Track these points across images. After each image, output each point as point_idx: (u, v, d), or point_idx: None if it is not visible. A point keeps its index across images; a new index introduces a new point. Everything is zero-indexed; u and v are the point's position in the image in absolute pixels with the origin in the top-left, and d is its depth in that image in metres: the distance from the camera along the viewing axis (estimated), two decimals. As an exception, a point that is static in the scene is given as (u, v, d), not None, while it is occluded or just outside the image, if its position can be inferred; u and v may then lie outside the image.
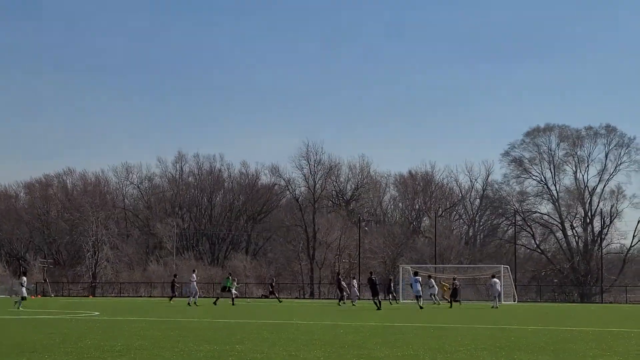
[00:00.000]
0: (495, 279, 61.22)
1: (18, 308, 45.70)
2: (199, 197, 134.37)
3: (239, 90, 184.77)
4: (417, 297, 55.95)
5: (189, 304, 57.71)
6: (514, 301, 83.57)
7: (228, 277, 65.78)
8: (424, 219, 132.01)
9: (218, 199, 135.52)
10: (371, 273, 55.78)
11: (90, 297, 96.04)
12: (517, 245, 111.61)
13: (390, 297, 74.47)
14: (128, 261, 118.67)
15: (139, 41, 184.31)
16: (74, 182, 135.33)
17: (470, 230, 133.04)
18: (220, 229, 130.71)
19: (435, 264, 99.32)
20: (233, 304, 58.98)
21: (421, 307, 53.49)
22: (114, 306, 52.28)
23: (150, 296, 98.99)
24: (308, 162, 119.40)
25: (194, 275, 64.99)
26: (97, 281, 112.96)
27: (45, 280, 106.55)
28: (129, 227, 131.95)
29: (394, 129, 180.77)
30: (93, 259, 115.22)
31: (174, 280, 72.09)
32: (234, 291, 64.08)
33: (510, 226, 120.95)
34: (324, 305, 60.58)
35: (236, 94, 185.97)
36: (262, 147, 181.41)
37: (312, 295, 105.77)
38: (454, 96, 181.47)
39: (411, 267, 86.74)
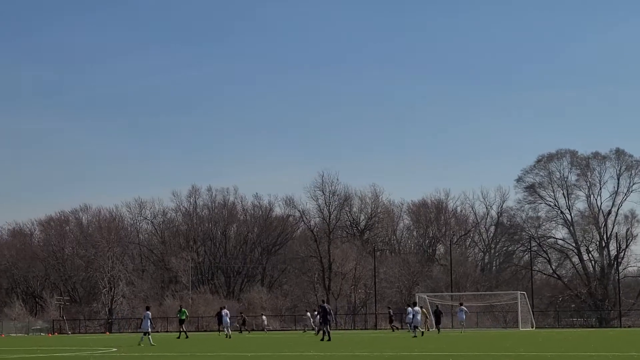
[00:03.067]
0: (417, 308, 59.78)
1: (140, 344, 44.59)
2: (213, 230, 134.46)
3: (250, 123, 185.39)
4: (415, 327, 55.76)
5: (228, 336, 59.47)
6: (532, 327, 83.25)
7: (181, 309, 64.75)
8: (439, 246, 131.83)
9: (232, 231, 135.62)
10: (323, 301, 54.99)
11: (107, 333, 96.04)
12: (533, 271, 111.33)
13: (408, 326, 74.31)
14: (144, 296, 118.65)
15: (152, 74, 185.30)
16: (89, 219, 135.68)
17: (486, 257, 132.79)
18: (235, 262, 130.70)
19: (452, 291, 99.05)
20: (186, 337, 59.30)
21: (422, 334, 54.26)
22: (132, 342, 52.27)
23: (166, 331, 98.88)
24: (323, 192, 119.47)
25: (226, 310, 65.06)
26: (114, 317, 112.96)
27: (62, 317, 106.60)
28: (144, 262, 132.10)
29: (407, 156, 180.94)
30: (109, 295, 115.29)
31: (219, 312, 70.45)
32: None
33: (526, 252, 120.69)
34: (342, 336, 60.42)
35: (247, 126, 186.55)
36: (275, 179, 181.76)
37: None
38: (467, 122, 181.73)
39: (427, 296, 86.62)
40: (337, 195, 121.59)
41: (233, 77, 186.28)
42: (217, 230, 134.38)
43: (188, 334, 63.73)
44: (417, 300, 68.21)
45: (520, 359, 25.51)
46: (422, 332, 55.95)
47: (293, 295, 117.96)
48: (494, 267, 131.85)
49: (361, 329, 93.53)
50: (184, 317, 63.02)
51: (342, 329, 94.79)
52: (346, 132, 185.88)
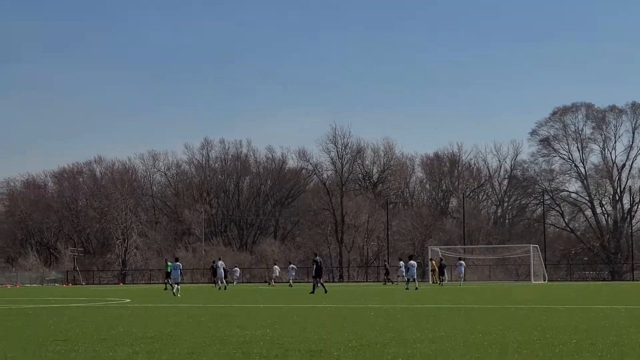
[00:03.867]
0: (412, 261, 60.06)
1: (177, 295, 44.66)
2: (226, 182, 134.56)
3: (264, 74, 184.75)
4: (413, 280, 56.41)
5: (219, 288, 60.22)
6: (544, 280, 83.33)
7: (167, 263, 65.05)
8: (452, 199, 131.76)
9: (245, 184, 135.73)
10: (316, 254, 54.90)
11: (121, 284, 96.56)
12: (546, 225, 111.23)
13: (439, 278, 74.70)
14: (157, 248, 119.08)
15: (164, 27, 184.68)
16: (103, 171, 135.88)
17: (499, 210, 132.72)
18: (248, 214, 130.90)
19: (464, 244, 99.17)
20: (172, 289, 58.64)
21: (416, 289, 54.13)
22: (145, 293, 52.50)
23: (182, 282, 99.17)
24: (335, 145, 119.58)
25: (220, 262, 66.28)
26: (127, 268, 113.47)
27: (75, 268, 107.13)
28: (157, 214, 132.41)
29: (420, 110, 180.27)
30: (122, 246, 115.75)
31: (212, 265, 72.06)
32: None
33: (539, 205, 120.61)
34: (354, 289, 60.58)
35: (261, 78, 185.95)
36: (288, 131, 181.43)
37: (341, 279, 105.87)
38: (481, 76, 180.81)
39: (440, 249, 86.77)
40: (350, 148, 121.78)
41: (245, 30, 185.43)
42: (230, 183, 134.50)
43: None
44: (414, 254, 68.95)
45: (533, 311, 25.47)
46: (416, 287, 55.99)
47: (306, 247, 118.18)
48: (506, 221, 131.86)
49: (373, 282, 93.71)
50: (168, 270, 62.93)
51: (354, 282, 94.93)
52: (359, 84, 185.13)
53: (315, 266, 50.07)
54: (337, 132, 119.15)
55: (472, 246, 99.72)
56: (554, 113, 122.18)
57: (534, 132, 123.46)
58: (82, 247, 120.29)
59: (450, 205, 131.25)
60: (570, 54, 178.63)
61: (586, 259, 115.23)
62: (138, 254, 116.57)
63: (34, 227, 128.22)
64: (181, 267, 49.27)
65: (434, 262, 78.21)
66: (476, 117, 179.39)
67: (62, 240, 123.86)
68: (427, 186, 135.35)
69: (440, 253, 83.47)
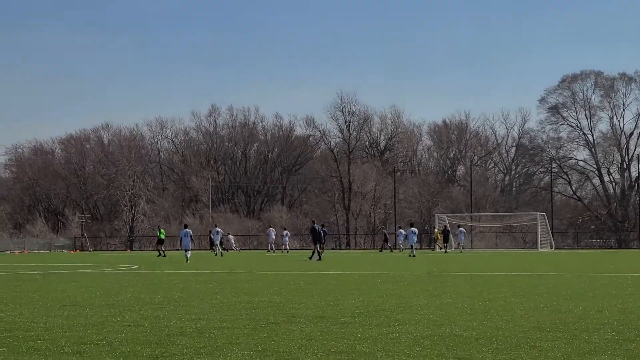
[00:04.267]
0: (413, 228, 61.17)
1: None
2: (234, 149, 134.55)
3: (272, 41, 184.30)
4: (411, 247, 58.56)
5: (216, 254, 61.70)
6: (551, 248, 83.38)
7: (160, 230, 65.83)
8: (459, 167, 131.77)
9: (252, 151, 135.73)
10: (313, 222, 54.96)
11: (128, 251, 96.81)
12: (553, 193, 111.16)
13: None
14: (165, 215, 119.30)
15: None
16: (110, 137, 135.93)
17: (506, 178, 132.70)
18: (256, 182, 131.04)
19: (471, 212, 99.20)
20: (164, 256, 58.33)
21: (414, 256, 54.77)
22: (152, 259, 52.67)
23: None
24: (343, 112, 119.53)
25: (217, 229, 67.72)
26: (134, 235, 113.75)
27: (83, 235, 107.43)
28: (164, 181, 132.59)
29: (428, 77, 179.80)
30: (130, 213, 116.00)
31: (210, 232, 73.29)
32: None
33: (547, 173, 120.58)
34: (360, 255, 60.73)
35: (269, 45, 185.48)
36: (295, 98, 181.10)
37: (348, 246, 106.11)
38: (489, 43, 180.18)
39: (447, 216, 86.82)
40: (357, 116, 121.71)
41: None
42: (238, 150, 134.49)
43: (165, 253, 63.82)
44: (413, 222, 69.74)
45: (540, 279, 25.52)
46: (414, 255, 56.51)
47: (313, 214, 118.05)
48: (514, 189, 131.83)
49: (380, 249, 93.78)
50: (162, 237, 63.51)
51: (361, 249, 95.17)
52: (367, 52, 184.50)
53: (312, 233, 50.30)
54: (344, 100, 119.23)
55: (479, 214, 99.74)
56: (563, 81, 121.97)
57: (542, 100, 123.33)
58: (89, 214, 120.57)
59: (457, 173, 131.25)
60: (579, 21, 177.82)
61: (593, 227, 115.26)
62: (145, 220, 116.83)
63: (42, 193, 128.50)
64: (191, 234, 49.47)
65: (437, 230, 78.53)
66: (484, 85, 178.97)
67: (69, 206, 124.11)
68: (435, 154, 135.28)
69: (447, 220, 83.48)
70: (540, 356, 9.66)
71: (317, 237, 49.49)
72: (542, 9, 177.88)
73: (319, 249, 48.70)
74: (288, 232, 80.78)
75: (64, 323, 12.94)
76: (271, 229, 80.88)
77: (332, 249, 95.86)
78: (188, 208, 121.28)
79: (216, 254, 62.85)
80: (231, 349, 10.24)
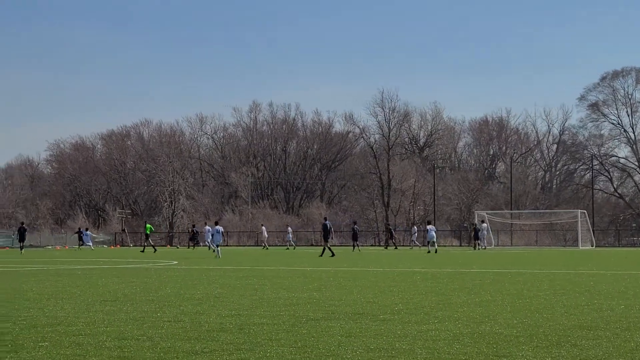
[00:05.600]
0: (431, 226, 62.73)
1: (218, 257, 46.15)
2: (273, 146, 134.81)
3: (313, 38, 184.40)
4: (429, 243, 60.74)
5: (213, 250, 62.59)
6: (592, 246, 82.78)
7: (147, 225, 68.78)
8: (499, 164, 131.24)
9: (292, 147, 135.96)
10: (325, 219, 55.51)
11: (168, 246, 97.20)
12: (594, 190, 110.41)
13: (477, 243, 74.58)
14: (204, 211, 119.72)
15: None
16: (150, 133, 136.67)
17: (547, 176, 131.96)
18: (295, 178, 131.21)
19: (511, 209, 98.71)
20: (155, 251, 61.84)
21: (429, 252, 57.32)
22: (192, 255, 52.88)
23: (226, 245, 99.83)
24: (383, 109, 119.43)
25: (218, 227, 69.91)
26: (174, 231, 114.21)
27: (123, 230, 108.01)
28: (204, 177, 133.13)
29: (469, 74, 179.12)
30: (170, 209, 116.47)
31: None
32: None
33: (588, 171, 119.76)
34: (400, 252, 60.65)
35: (310, 42, 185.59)
36: (335, 95, 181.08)
37: (387, 243, 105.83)
38: (531, 40, 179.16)
39: (486, 213, 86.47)
40: (397, 112, 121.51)
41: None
42: (277, 146, 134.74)
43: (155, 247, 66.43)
44: (431, 219, 71.36)
45: (580, 277, 25.35)
46: (429, 251, 58.26)
47: (352, 211, 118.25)
48: (554, 186, 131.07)
49: (419, 246, 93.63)
50: (148, 232, 65.78)
51: (400, 246, 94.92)
52: (408, 48, 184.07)
53: (323, 230, 50.82)
54: (384, 96, 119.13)
55: (519, 211, 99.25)
56: (603, 78, 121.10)
57: (582, 98, 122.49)
58: (129, 210, 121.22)
59: (497, 170, 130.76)
60: (620, 18, 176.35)
61: (634, 225, 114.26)
62: (185, 216, 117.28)
63: (83, 189, 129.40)
64: (222, 230, 50.23)
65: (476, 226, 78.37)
66: (526, 82, 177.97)
67: (110, 202, 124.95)
68: (475, 151, 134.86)
69: (487, 218, 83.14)
70: (581, 354, 9.61)
71: (327, 234, 50.22)
72: (583, 5, 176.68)
73: (328, 245, 49.24)
74: (291, 229, 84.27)
75: (105, 318, 13.03)
76: (263, 227, 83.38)
77: (372, 245, 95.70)
78: (227, 204, 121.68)
79: (213, 250, 64.29)
80: (271, 345, 10.26)
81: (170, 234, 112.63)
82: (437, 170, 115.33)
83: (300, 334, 11.20)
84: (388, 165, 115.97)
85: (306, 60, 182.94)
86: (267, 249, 76.07)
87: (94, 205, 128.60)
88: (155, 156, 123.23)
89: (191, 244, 79.10)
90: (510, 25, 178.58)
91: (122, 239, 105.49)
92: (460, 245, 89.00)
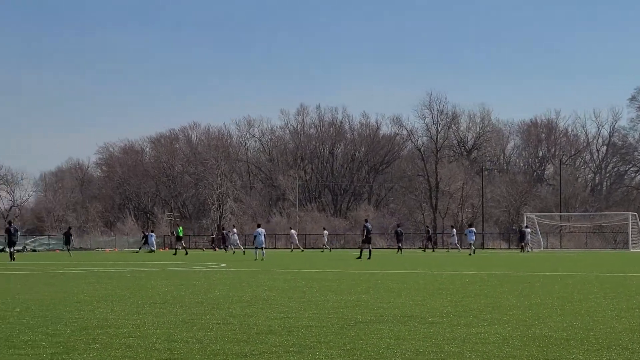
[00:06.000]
0: (472, 228, 65.51)
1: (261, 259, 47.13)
2: (321, 148, 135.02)
3: (360, 40, 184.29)
4: (471, 245, 63.08)
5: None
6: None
7: (178, 227, 70.52)
8: (548, 166, 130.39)
9: (340, 150, 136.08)
10: (366, 220, 55.53)
11: (216, 249, 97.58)
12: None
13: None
14: (252, 213, 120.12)
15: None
16: (198, 136, 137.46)
17: (597, 177, 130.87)
18: (342, 180, 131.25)
19: (560, 212, 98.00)
20: (186, 254, 62.65)
21: (471, 254, 58.74)
22: (240, 258, 53.06)
23: (274, 247, 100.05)
24: (431, 111, 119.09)
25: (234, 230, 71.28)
26: (233, 234, 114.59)
27: (172, 233, 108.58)
28: (252, 180, 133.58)
29: (517, 75, 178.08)
30: (218, 211, 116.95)
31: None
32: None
33: (638, 172, 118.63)
34: (448, 255, 60.44)
35: (356, 44, 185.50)
36: (382, 97, 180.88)
37: (435, 245, 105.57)
38: (580, 40, 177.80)
39: (535, 216, 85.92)
40: (445, 114, 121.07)
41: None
42: (325, 149, 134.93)
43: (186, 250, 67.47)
44: (472, 222, 72.11)
45: (632, 279, 25.11)
46: (473, 252, 60.81)
47: (400, 213, 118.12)
48: (604, 188, 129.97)
49: (467, 248, 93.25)
50: (180, 234, 66.53)
51: (438, 249, 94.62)
52: (454, 50, 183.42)
53: (365, 232, 50.60)
54: (432, 98, 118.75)
55: (568, 213, 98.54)
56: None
57: (633, 98, 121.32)
58: (178, 212, 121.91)
59: (546, 172, 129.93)
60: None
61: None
62: (233, 219, 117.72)
63: (132, 192, 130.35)
64: (265, 233, 51.50)
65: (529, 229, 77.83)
66: (575, 83, 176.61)
67: (158, 205, 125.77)
68: (523, 153, 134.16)
69: (535, 220, 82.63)
70: (632, 358, 9.51)
71: (368, 236, 50.22)
72: (633, 5, 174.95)
73: (365, 248, 49.43)
74: (327, 232, 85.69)
75: (154, 320, 13.10)
76: (292, 231, 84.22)
77: (419, 248, 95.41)
78: (275, 207, 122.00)
79: (234, 252, 65.36)
80: (319, 347, 10.26)
81: (219, 236, 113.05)
82: (486, 173, 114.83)
83: (349, 336, 11.19)
84: (436, 167, 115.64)
85: (353, 62, 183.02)
86: (302, 250, 76.35)
87: (143, 208, 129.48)
88: (203, 159, 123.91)
89: (215, 245, 79.71)
90: (560, 26, 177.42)
91: (170, 242, 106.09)
92: (509, 248, 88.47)
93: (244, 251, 67.94)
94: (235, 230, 74.19)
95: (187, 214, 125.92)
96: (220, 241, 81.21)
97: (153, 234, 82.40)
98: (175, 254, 64.09)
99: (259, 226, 53.42)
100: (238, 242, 70.41)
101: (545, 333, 11.45)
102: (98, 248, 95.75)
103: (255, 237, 50.88)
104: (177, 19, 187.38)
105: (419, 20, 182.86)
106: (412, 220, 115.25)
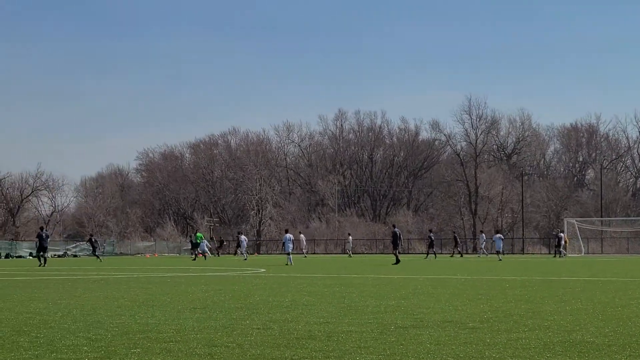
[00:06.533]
0: (499, 234, 66.79)
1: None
2: (360, 153, 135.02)
3: (398, 45, 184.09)
4: (498, 252, 63.74)
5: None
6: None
7: (196, 234, 71.88)
8: (589, 171, 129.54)
9: (378, 155, 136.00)
10: (394, 226, 55.83)
11: (255, 254, 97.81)
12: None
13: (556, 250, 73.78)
14: (291, 219, 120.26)
15: (297, 0, 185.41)
16: (237, 142, 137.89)
17: (638, 182, 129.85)
18: (381, 185, 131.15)
19: (601, 217, 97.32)
20: (205, 259, 63.93)
21: (500, 260, 59.26)
22: (279, 263, 53.12)
23: (313, 253, 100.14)
24: (470, 116, 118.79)
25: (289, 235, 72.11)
26: (262, 239, 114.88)
27: (212, 238, 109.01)
28: (291, 185, 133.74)
29: (557, 80, 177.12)
30: (257, 217, 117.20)
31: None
32: (205, 246, 70.62)
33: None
34: (487, 261, 60.18)
35: (395, 49, 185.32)
36: (421, 102, 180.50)
37: (474, 250, 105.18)
38: (620, 43, 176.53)
39: (576, 221, 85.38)
40: (484, 119, 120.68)
41: (379, 1, 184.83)
42: (364, 154, 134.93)
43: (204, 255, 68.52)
44: (500, 228, 72.75)
45: (673, 285, 24.88)
46: (500, 259, 60.91)
47: (439, 218, 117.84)
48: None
49: (508, 254, 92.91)
50: (199, 241, 66.89)
51: (490, 253, 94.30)
52: (494, 54, 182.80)
53: (393, 237, 51.06)
54: (472, 103, 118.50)
55: (609, 218, 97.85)
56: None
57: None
58: (217, 218, 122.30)
59: (587, 176, 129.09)
60: None
61: None
62: (272, 224, 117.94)
63: (171, 197, 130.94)
64: (292, 238, 52.84)
65: (565, 235, 77.73)
66: (616, 87, 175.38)
67: (198, 210, 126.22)
68: (563, 157, 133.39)
69: (576, 225, 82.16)
70: (675, 364, 9.43)
71: (396, 242, 50.51)
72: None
73: (396, 253, 49.51)
74: (351, 237, 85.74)
75: (194, 325, 13.15)
76: (350, 237, 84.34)
77: (458, 253, 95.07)
78: (314, 212, 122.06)
79: (245, 259, 65.25)
80: (359, 352, 10.25)
81: (258, 241, 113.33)
82: (525, 178, 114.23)
83: (389, 342, 11.17)
84: (475, 172, 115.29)
85: (392, 67, 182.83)
86: (350, 256, 76.34)
87: (183, 214, 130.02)
88: (242, 165, 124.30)
89: (218, 251, 79.18)
90: (601, 30, 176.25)
91: (210, 247, 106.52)
92: (549, 253, 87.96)
93: (245, 257, 67.62)
94: (289, 235, 74.40)
95: (226, 219, 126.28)
96: (236, 246, 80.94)
97: (244, 237, 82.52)
98: (194, 259, 64.70)
99: (287, 232, 53.91)
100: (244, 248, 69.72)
101: (586, 339, 11.37)
102: (138, 253, 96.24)
103: (284, 242, 51.65)
104: (217, 25, 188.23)
105: (458, 24, 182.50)
106: (452, 226, 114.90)
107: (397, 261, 48.05)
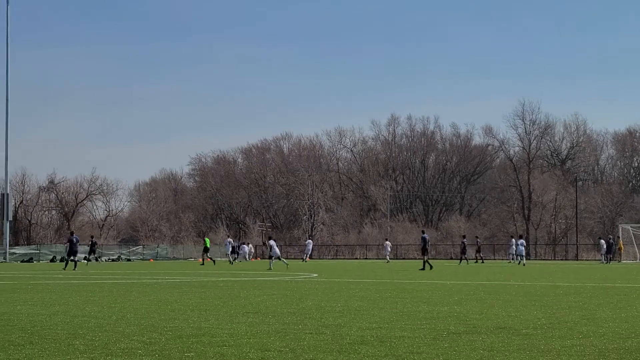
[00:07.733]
0: (522, 240, 67.80)
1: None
2: (412, 159, 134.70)
3: (450, 51, 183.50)
4: (521, 257, 65.07)
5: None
6: None
7: (206, 239, 71.47)
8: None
9: (431, 160, 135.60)
10: (423, 232, 56.27)
11: (307, 259, 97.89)
12: None
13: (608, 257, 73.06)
14: (343, 224, 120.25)
15: (351, 6, 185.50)
16: (290, 147, 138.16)
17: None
18: (434, 191, 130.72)
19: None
20: (214, 264, 62.89)
21: (524, 265, 61.20)
22: (332, 268, 53.15)
23: (365, 258, 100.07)
24: (523, 121, 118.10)
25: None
26: (314, 244, 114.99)
27: (264, 243, 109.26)
28: (343, 190, 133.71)
29: (612, 84, 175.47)
30: (309, 222, 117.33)
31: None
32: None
33: None
34: (541, 266, 59.76)
35: (447, 55, 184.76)
36: (473, 107, 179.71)
37: (528, 256, 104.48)
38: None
39: (631, 227, 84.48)
40: (538, 124, 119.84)
41: (432, 6, 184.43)
42: (416, 159, 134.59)
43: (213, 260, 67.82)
44: (523, 234, 73.81)
45: None
46: (524, 264, 62.63)
47: (492, 224, 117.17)
48: None
49: (561, 260, 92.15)
50: (208, 246, 67.50)
51: (541, 259, 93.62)
52: (547, 59, 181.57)
53: (423, 243, 50.76)
54: (525, 108, 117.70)
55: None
56: None
57: None
58: (270, 222, 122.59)
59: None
60: None
61: None
62: (324, 229, 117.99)
63: (224, 202, 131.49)
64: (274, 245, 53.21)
65: (620, 240, 77.35)
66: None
67: (250, 215, 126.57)
68: (619, 163, 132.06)
69: (631, 231, 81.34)
70: None
71: (425, 248, 50.16)
72: None
73: (426, 258, 48.81)
74: (389, 243, 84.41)
75: (247, 329, 13.20)
76: (387, 242, 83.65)
77: (472, 259, 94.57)
78: (366, 217, 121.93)
79: (231, 263, 65.79)
80: (412, 358, 10.24)
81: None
82: (580, 183, 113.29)
83: (442, 347, 11.14)
84: (528, 178, 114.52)
85: (444, 72, 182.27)
86: (388, 262, 76.00)
87: (235, 218, 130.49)
88: (294, 170, 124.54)
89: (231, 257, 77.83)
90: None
91: (262, 251, 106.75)
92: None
93: (231, 262, 68.20)
94: (230, 240, 76.22)
95: (278, 224, 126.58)
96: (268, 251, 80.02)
97: (273, 242, 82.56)
98: (202, 264, 64.76)
99: (270, 239, 55.85)
100: (246, 252, 70.62)
101: (642, 346, 11.27)
102: (191, 257, 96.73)
103: (271, 247, 52.37)
104: (270, 30, 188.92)
105: (511, 29, 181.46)
106: (504, 231, 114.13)
107: (427, 267, 47.30)
